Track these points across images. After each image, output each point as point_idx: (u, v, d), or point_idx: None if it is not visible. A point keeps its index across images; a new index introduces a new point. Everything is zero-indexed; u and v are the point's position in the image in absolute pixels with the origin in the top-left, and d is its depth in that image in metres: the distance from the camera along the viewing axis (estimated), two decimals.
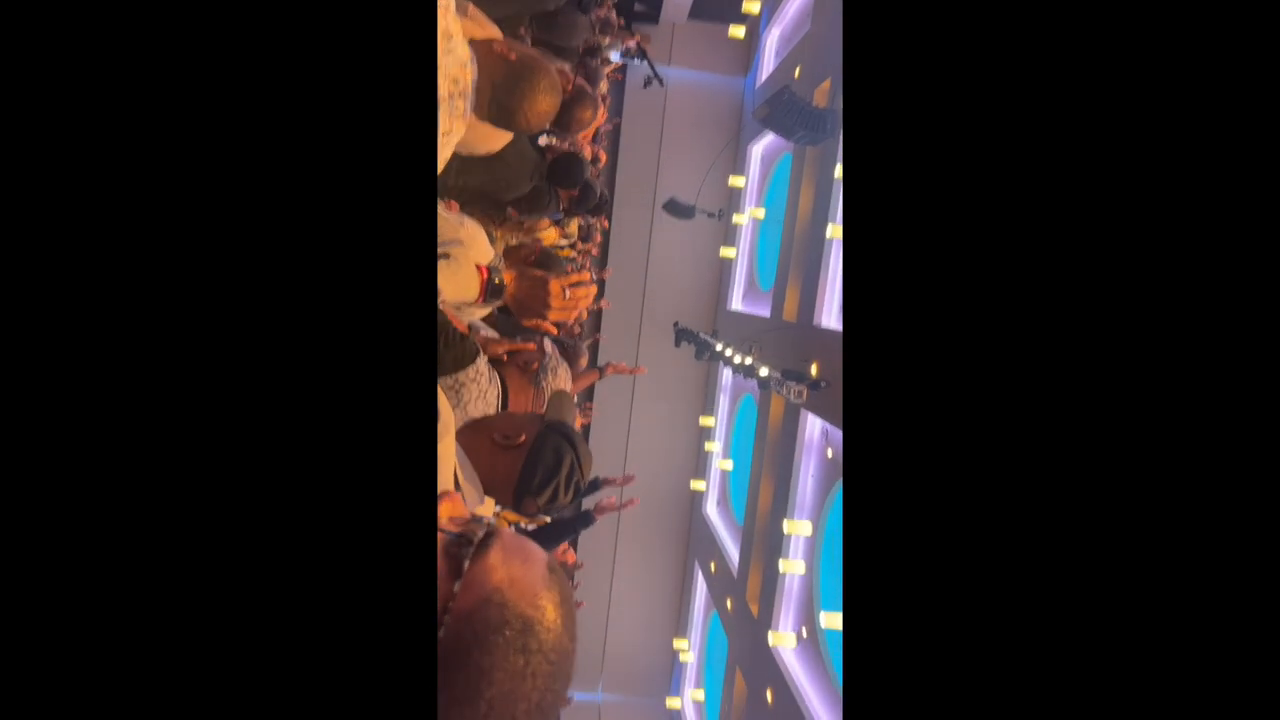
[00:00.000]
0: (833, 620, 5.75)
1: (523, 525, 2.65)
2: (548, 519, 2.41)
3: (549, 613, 0.48)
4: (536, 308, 1.24)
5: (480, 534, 0.51)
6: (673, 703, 10.35)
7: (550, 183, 2.28)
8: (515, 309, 1.27)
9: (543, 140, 2.43)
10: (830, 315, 6.53)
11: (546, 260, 1.67)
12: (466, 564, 0.48)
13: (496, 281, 1.22)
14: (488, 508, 1.20)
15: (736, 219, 9.68)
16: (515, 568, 0.48)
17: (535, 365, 1.47)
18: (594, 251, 7.09)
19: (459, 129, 1.13)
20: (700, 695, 9.86)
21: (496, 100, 1.18)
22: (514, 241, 2.44)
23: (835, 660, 5.92)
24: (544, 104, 1.21)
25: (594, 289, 1.31)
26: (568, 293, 1.22)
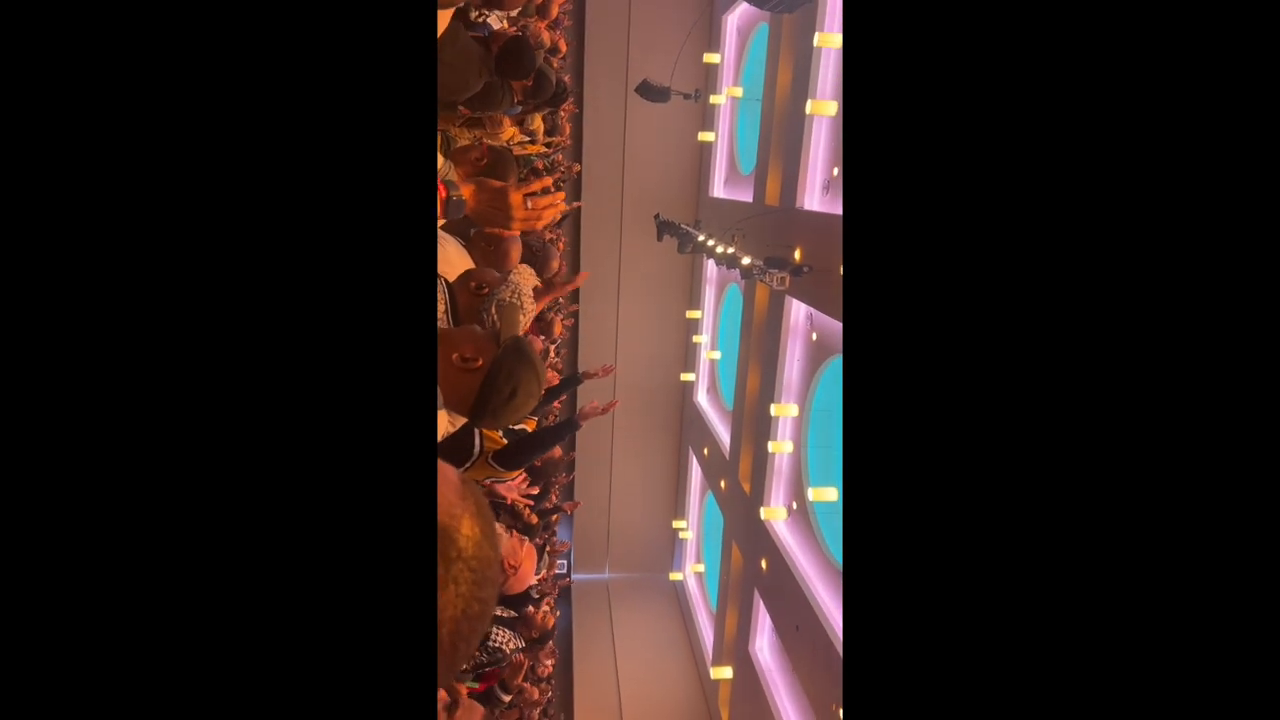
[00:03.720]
0: (820, 494, 6.07)
1: (510, 426, 2.71)
2: (532, 422, 2.46)
3: (465, 523, 0.50)
4: (499, 220, 1.22)
5: None
6: (675, 576, 11.12)
7: (500, 75, 2.13)
8: (477, 220, 1.24)
9: (476, 15, 2.23)
10: (812, 197, 6.38)
11: (497, 159, 1.59)
12: None
13: (454, 196, 1.18)
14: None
15: (714, 99, 9.20)
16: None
17: (486, 290, 1.46)
18: (565, 143, 6.77)
19: None
20: (700, 568, 10.58)
21: None
22: (465, 141, 2.31)
23: (824, 530, 6.31)
24: None
25: (559, 196, 1.29)
26: (529, 202, 1.21)
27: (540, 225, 1.26)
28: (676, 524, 10.96)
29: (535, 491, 2.97)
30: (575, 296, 9.75)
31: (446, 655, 0.48)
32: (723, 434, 9.07)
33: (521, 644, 2.75)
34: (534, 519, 2.84)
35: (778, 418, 6.86)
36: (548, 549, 3.93)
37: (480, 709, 1.50)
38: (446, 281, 1.45)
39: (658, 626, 10.53)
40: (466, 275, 1.61)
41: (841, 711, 5.17)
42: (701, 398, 10.31)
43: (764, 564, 7.08)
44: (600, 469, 10.76)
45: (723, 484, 8.72)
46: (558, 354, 7.69)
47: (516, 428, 2.79)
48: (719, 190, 9.52)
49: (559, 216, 1.34)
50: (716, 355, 9.80)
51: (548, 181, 1.26)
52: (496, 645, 2.65)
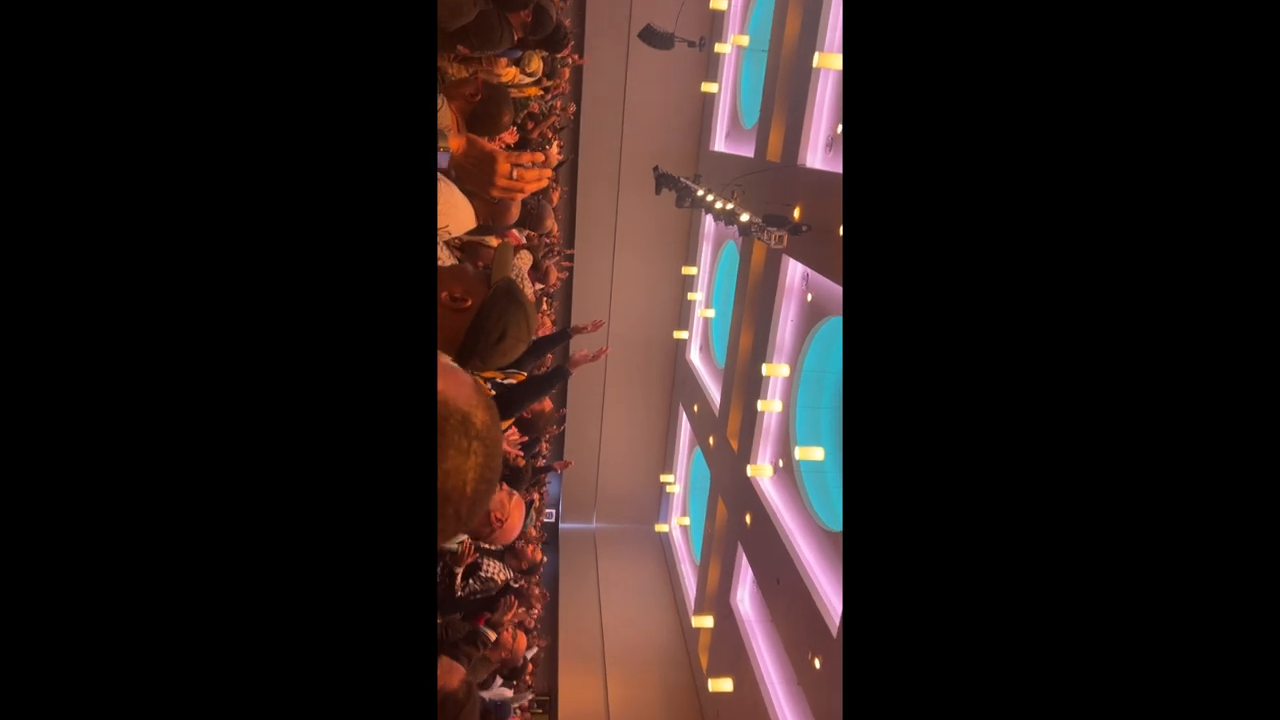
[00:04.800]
0: (807, 453, 6.15)
1: (499, 380, 2.70)
2: (522, 375, 2.45)
3: (480, 412, 0.62)
4: (480, 182, 1.19)
5: None
6: (661, 528, 11.35)
7: (497, 4, 2.04)
8: (457, 174, 1.20)
9: None
10: (815, 155, 6.26)
11: (492, 96, 1.53)
12: None
13: (441, 147, 1.15)
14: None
15: (719, 48, 8.92)
16: (449, 380, 0.63)
17: (482, 264, 1.43)
18: (564, 89, 6.58)
19: None
20: (685, 521, 10.79)
21: None
22: (463, 75, 2.23)
23: (808, 488, 6.41)
24: None
25: (546, 172, 1.25)
26: (515, 172, 1.18)
27: (520, 196, 1.25)
28: (664, 478, 11.12)
29: (525, 441, 2.99)
30: (570, 244, 9.63)
31: (467, 505, 0.61)
32: (713, 391, 9.12)
33: (511, 575, 2.83)
34: (521, 462, 2.87)
35: (768, 377, 6.89)
36: (535, 505, 3.99)
37: (461, 670, 1.51)
38: (457, 251, 1.42)
39: (642, 576, 10.79)
40: (475, 254, 1.59)
41: (818, 661, 5.35)
42: (694, 355, 10.32)
43: (748, 519, 7.22)
44: (591, 422, 10.84)
45: (711, 440, 8.81)
46: (551, 305, 7.64)
47: (505, 381, 2.79)
48: (720, 144, 9.32)
49: (542, 187, 1.37)
50: (710, 313, 9.78)
51: (540, 157, 1.24)
52: (489, 575, 2.72)
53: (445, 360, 0.65)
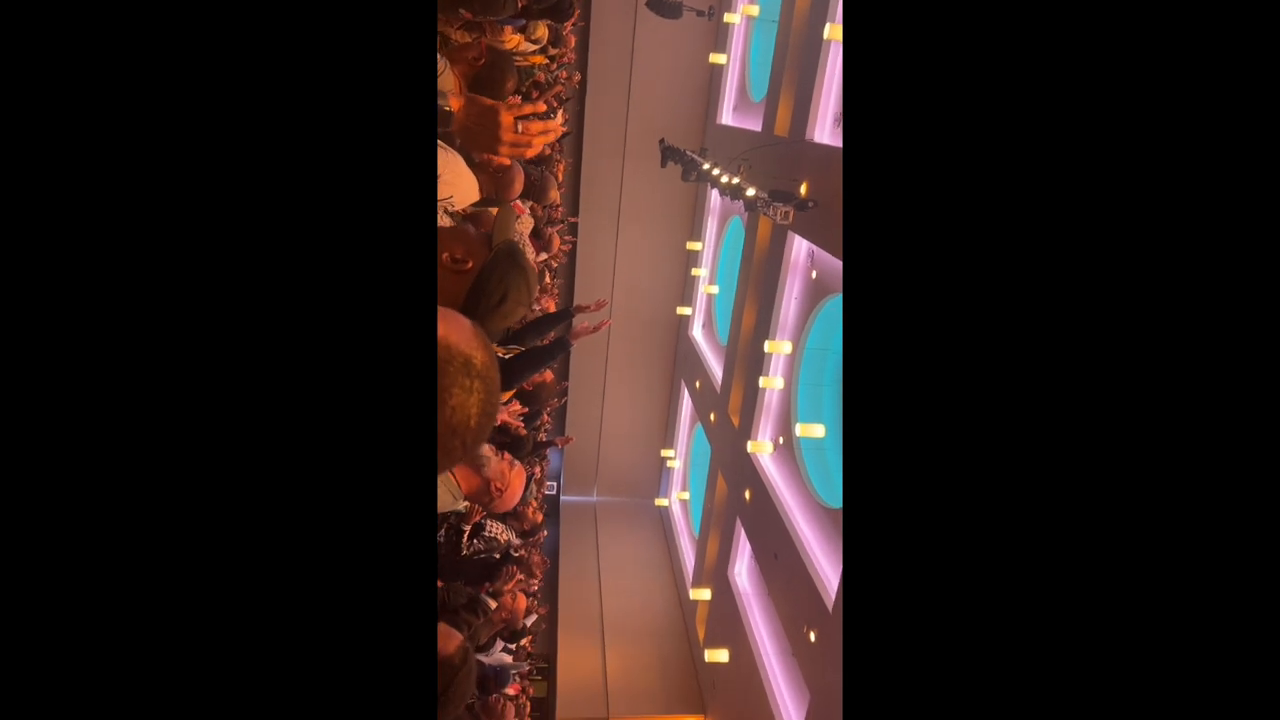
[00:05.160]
0: (807, 430, 6.17)
1: (500, 355, 2.71)
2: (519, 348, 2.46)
3: (479, 353, 0.67)
4: (485, 141, 1.15)
5: None
6: (660, 502, 11.45)
7: None
8: (463, 139, 1.17)
9: None
10: (823, 130, 6.17)
11: (496, 61, 1.50)
12: None
13: (442, 107, 1.12)
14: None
15: (728, 18, 8.74)
16: (450, 325, 0.68)
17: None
18: (570, 57, 6.47)
19: None
20: (685, 496, 10.88)
21: None
22: (465, 39, 2.19)
23: (808, 465, 6.45)
24: None
25: (554, 122, 1.20)
26: (520, 125, 1.13)
27: (530, 153, 1.20)
28: (665, 453, 11.18)
29: (526, 412, 3.00)
30: (574, 216, 9.56)
31: (472, 435, 0.67)
32: (715, 368, 9.12)
33: (514, 537, 2.88)
34: (523, 431, 2.89)
35: (771, 354, 6.88)
36: (536, 478, 4.05)
37: (458, 636, 1.52)
38: (462, 217, 1.39)
39: (642, 549, 10.92)
40: (478, 222, 1.56)
41: (813, 634, 5.44)
42: (696, 332, 10.31)
43: (747, 495, 7.27)
44: (593, 397, 10.87)
45: (712, 416, 8.84)
46: (554, 280, 7.61)
47: (505, 356, 2.79)
48: (727, 117, 9.19)
49: (552, 142, 1.28)
50: (714, 289, 9.73)
51: (541, 107, 1.18)
52: (492, 535, 2.78)
53: (446, 308, 0.69)
